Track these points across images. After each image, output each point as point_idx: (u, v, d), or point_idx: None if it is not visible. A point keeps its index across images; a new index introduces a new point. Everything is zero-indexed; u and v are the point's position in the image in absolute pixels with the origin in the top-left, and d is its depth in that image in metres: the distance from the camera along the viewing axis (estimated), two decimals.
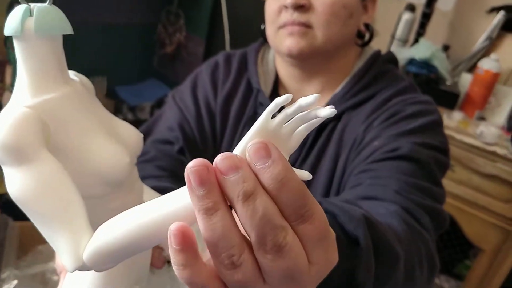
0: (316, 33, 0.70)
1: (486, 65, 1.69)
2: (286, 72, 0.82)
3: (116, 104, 2.69)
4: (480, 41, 1.83)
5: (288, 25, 0.70)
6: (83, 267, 0.30)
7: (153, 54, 3.11)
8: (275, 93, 0.82)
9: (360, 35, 0.79)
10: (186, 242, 0.27)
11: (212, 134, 0.81)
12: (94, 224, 0.31)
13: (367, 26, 0.78)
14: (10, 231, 1.64)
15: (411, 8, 1.84)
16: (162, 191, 0.52)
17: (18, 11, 0.32)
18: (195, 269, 0.28)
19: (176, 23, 2.84)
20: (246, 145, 0.28)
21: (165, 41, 2.91)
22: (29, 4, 0.32)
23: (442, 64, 1.74)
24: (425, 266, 0.58)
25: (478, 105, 1.73)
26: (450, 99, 1.73)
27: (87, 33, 2.50)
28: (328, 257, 0.30)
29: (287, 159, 0.28)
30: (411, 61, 1.77)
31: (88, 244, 0.29)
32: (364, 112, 0.73)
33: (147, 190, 0.45)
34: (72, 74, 0.38)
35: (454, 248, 1.88)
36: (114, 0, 2.61)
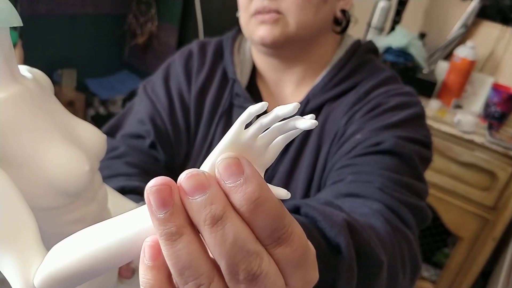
0: (288, 19, 0.67)
1: (462, 52, 1.68)
2: (263, 62, 0.79)
3: (87, 97, 2.60)
4: (455, 28, 1.82)
5: (259, 13, 0.68)
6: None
7: (124, 45, 3.02)
8: (251, 84, 0.79)
9: (337, 22, 0.75)
10: (161, 258, 0.24)
11: (186, 127, 0.77)
12: (51, 238, 0.27)
13: (343, 12, 0.74)
14: None
15: None
16: (132, 190, 0.48)
17: None
18: None
19: (147, 12, 2.76)
20: (215, 160, 0.24)
21: (136, 31, 2.83)
22: None
23: (418, 52, 1.73)
24: (408, 268, 0.56)
25: (455, 93, 1.73)
26: (427, 88, 1.72)
27: (54, 24, 2.41)
28: (308, 279, 0.27)
29: (262, 175, 0.25)
30: (388, 50, 1.75)
31: (40, 269, 0.26)
32: (345, 104, 0.70)
33: (113, 196, 0.40)
34: (24, 69, 0.33)
35: (433, 236, 1.89)
36: None
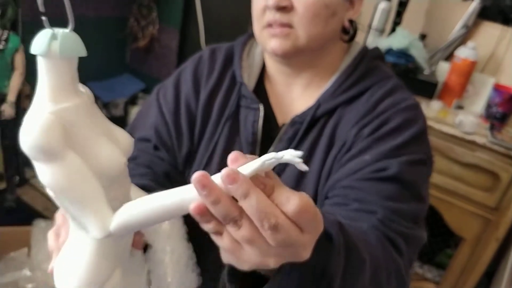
0: (299, 33, 0.71)
1: (463, 53, 1.68)
2: (274, 66, 0.83)
3: None
4: (456, 29, 1.82)
5: (270, 26, 0.72)
6: (107, 235, 0.40)
7: (125, 49, 3.03)
8: (259, 87, 0.83)
9: (345, 31, 0.79)
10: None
11: (189, 130, 0.82)
12: None
13: (350, 21, 0.78)
14: None
15: None
16: (142, 188, 0.56)
17: (44, 35, 0.39)
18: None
19: (148, 16, 2.76)
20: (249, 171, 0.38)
21: (138, 34, 2.83)
22: (53, 29, 0.39)
23: (419, 53, 1.73)
24: (394, 282, 0.61)
25: (456, 93, 1.73)
26: (428, 89, 1.72)
27: (55, 27, 2.40)
28: (318, 228, 0.40)
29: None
30: (389, 51, 1.76)
31: (114, 219, 0.40)
32: (356, 111, 0.74)
33: (132, 187, 0.51)
34: (80, 86, 0.43)
35: (436, 237, 1.89)
36: None
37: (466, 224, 1.65)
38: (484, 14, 1.78)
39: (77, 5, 2.58)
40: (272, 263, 0.40)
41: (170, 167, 0.80)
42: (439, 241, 1.89)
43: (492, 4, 1.76)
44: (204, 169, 0.69)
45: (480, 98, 1.75)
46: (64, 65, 0.40)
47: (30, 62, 1.93)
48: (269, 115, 0.80)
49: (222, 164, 0.66)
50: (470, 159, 1.56)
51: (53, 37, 0.39)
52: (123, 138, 0.46)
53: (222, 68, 0.83)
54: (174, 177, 0.78)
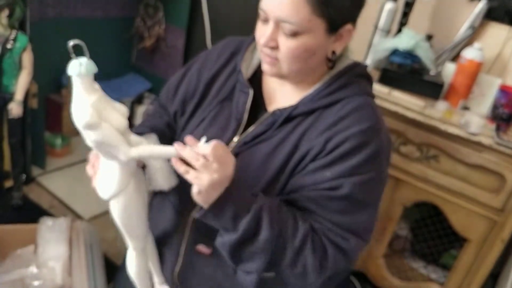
0: (282, 65, 0.86)
1: (469, 54, 1.68)
2: None
3: None
4: (462, 30, 1.82)
5: (262, 53, 0.88)
6: (129, 160, 0.75)
7: (131, 48, 3.04)
8: (255, 77, 0.99)
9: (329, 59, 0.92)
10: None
11: (183, 98, 1.04)
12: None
13: (334, 52, 0.90)
14: None
15: None
16: (155, 127, 1.01)
17: (76, 63, 0.70)
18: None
19: (155, 16, 2.77)
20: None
21: (144, 34, 2.84)
22: (79, 58, 0.71)
23: (425, 54, 1.73)
24: (300, 269, 0.83)
25: (462, 94, 1.72)
26: (434, 89, 1.72)
27: (63, 28, 2.43)
28: (227, 156, 0.79)
29: None
30: (395, 52, 1.76)
31: (133, 150, 0.75)
32: (325, 121, 0.88)
33: (132, 135, 0.81)
34: (95, 84, 0.75)
35: (441, 238, 1.88)
36: None
37: (472, 225, 1.64)
38: (491, 15, 1.77)
39: (85, 6, 2.59)
40: (212, 193, 0.76)
41: (166, 127, 1.06)
42: (444, 242, 1.88)
43: (499, 5, 1.75)
44: (194, 130, 0.97)
45: (486, 99, 1.74)
46: (88, 78, 0.71)
47: (38, 60, 1.94)
48: (259, 101, 0.96)
49: (209, 130, 0.94)
50: (476, 160, 1.56)
51: (80, 64, 0.70)
52: (123, 109, 0.78)
53: (229, 56, 1.01)
54: (173, 126, 1.06)
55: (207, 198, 0.77)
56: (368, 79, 0.96)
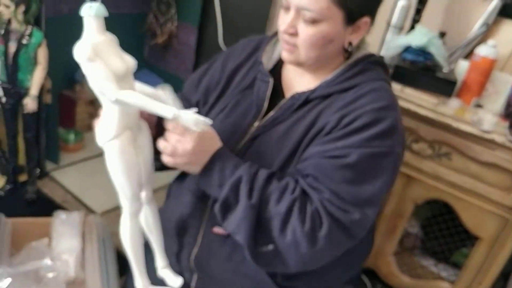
0: (301, 52, 0.92)
1: (483, 51, 1.67)
2: None
3: None
4: (476, 27, 1.80)
5: (283, 40, 0.94)
6: (116, 100, 0.78)
7: (144, 45, 3.06)
8: (275, 69, 1.05)
9: (346, 49, 0.97)
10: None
11: (206, 90, 1.12)
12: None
13: (351, 43, 0.95)
14: (3, 227, 1.61)
15: None
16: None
17: (88, 5, 0.80)
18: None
19: (167, 12, 2.79)
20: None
21: (156, 31, 2.86)
22: (91, 2, 0.78)
23: (438, 51, 1.72)
24: (290, 235, 0.85)
25: (475, 92, 1.71)
26: (447, 87, 1.71)
27: (77, 24, 2.44)
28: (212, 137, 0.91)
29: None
30: (407, 49, 1.75)
31: (121, 93, 0.78)
32: (343, 101, 0.92)
33: (138, 84, 0.90)
34: (108, 33, 0.83)
35: (452, 236, 1.87)
36: None
37: (483, 223, 1.63)
38: (505, 12, 1.76)
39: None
40: (196, 163, 0.88)
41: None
42: (455, 240, 1.88)
43: None
44: (216, 118, 1.03)
45: (499, 97, 1.73)
46: (97, 21, 0.80)
47: (53, 56, 1.97)
48: (278, 91, 1.02)
49: (231, 115, 1.02)
50: (488, 158, 1.55)
51: (91, 7, 0.79)
52: (128, 59, 0.85)
53: (252, 50, 1.09)
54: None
55: (195, 161, 0.88)
56: (384, 68, 1.01)
